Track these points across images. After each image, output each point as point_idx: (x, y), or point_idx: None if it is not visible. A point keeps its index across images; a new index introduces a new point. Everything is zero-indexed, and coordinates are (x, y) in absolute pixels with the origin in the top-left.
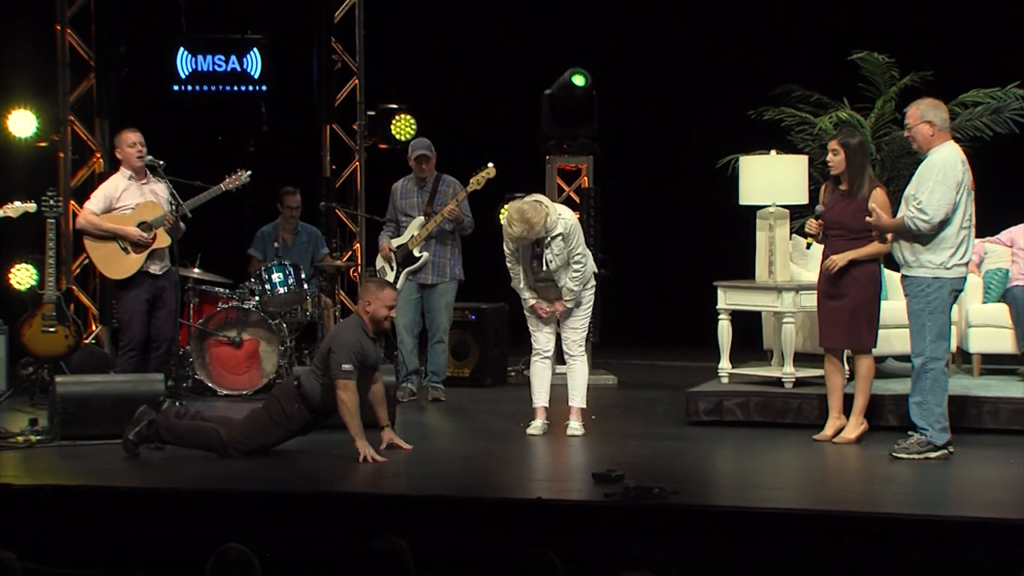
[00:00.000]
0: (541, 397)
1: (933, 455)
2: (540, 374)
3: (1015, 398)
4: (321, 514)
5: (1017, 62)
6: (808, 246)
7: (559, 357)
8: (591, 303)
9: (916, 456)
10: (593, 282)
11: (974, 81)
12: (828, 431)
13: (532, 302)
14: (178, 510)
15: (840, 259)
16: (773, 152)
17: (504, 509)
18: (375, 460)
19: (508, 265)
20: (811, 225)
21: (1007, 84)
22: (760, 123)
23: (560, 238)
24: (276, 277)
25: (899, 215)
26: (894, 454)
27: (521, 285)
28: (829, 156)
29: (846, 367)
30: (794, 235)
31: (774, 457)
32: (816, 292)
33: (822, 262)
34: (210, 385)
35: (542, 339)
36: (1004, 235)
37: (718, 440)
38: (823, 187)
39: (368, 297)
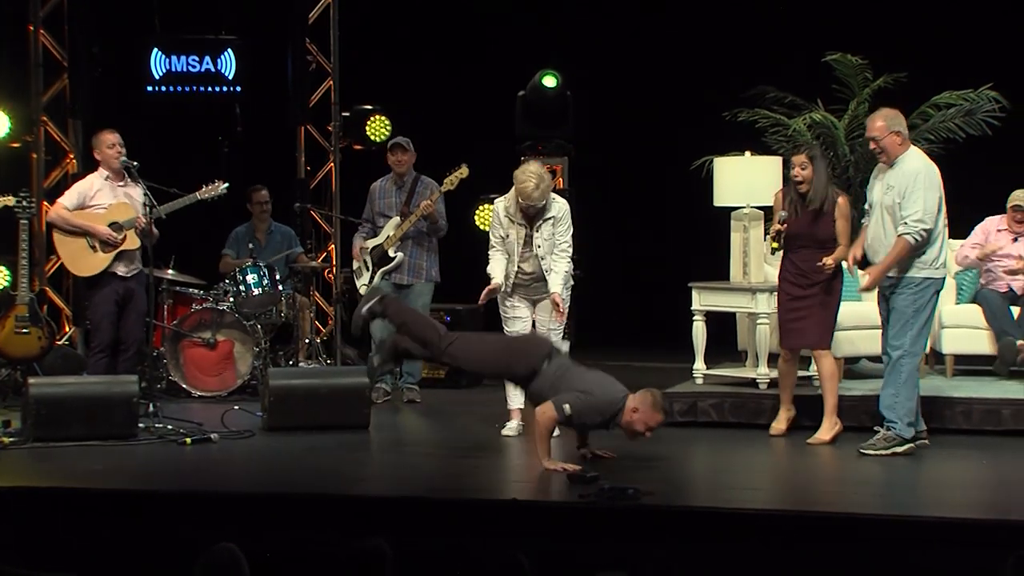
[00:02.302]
0: (516, 399)
1: (900, 449)
2: None
3: (987, 399)
4: (300, 516)
5: (989, 64)
6: (773, 252)
7: None
8: (568, 304)
9: (883, 452)
10: (571, 282)
11: (947, 83)
12: (782, 424)
13: (496, 282)
14: (153, 512)
15: (830, 261)
16: (747, 153)
17: (480, 510)
18: (567, 469)
19: (491, 251)
20: (776, 229)
21: (980, 86)
22: (735, 124)
23: (552, 221)
24: (251, 278)
25: (894, 243)
26: (862, 451)
27: (496, 269)
28: (796, 170)
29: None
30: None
31: (749, 458)
32: (779, 294)
33: (784, 270)
34: (184, 386)
35: None
36: (979, 234)
37: (693, 441)
38: (779, 194)
39: (642, 407)
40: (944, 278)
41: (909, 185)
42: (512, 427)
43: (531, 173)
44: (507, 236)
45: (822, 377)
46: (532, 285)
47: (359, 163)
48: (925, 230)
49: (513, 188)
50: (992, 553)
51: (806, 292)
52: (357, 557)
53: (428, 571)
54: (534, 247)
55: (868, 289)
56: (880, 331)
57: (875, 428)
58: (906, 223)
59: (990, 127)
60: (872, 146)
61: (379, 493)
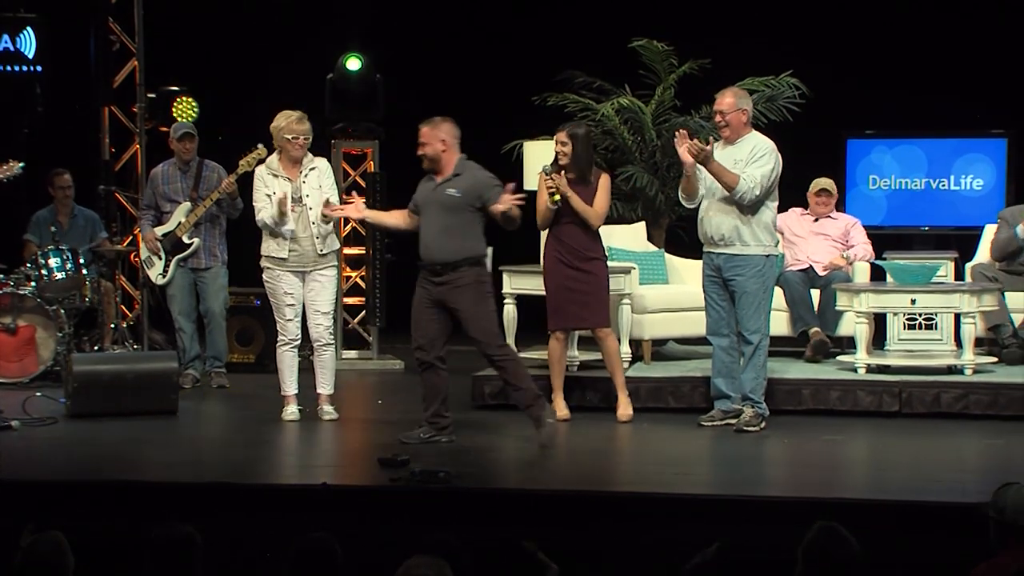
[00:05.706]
0: (291, 385)
1: (764, 425)
2: (289, 363)
3: (788, 379)
4: (106, 503)
5: (790, 51)
6: (554, 204)
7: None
8: (336, 282)
9: (756, 428)
10: (334, 261)
11: (749, 69)
12: (565, 410)
13: (276, 208)
14: None
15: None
16: None
17: (291, 495)
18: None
19: (257, 207)
20: (560, 181)
21: (780, 73)
22: (544, 108)
23: (317, 172)
24: (53, 262)
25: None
26: (745, 428)
27: (268, 214)
28: (558, 147)
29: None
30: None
31: (559, 439)
32: (548, 274)
33: (552, 250)
34: None
35: (292, 329)
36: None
37: (504, 424)
38: (541, 175)
39: (444, 133)
40: (780, 253)
41: (759, 152)
42: (292, 412)
43: (288, 111)
44: (272, 193)
45: (609, 354)
46: (303, 253)
47: (165, 145)
48: (754, 196)
49: (273, 154)
50: (790, 530)
51: (580, 271)
52: (167, 544)
53: (238, 558)
54: (303, 198)
55: (699, 155)
56: (705, 313)
57: (733, 408)
58: (747, 176)
59: (791, 113)
60: (718, 119)
61: (186, 479)
